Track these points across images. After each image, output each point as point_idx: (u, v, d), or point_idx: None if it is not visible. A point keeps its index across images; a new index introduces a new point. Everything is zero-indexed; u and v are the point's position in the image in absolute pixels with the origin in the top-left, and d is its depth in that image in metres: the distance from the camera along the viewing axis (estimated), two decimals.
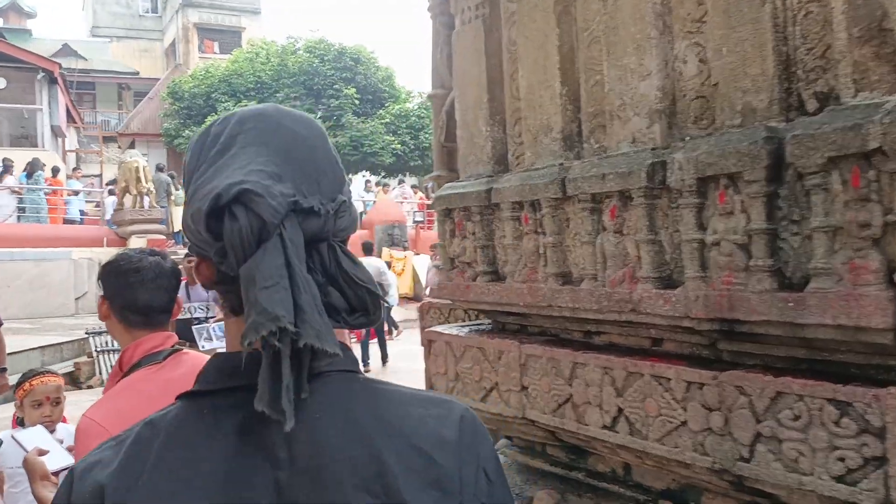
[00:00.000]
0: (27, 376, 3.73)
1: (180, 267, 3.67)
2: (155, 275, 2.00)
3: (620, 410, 2.48)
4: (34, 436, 2.42)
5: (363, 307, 0.89)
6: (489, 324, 3.48)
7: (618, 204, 2.49)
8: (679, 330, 2.34)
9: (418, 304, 5.34)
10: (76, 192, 19.69)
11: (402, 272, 17.11)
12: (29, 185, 17.49)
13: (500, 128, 3.24)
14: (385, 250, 18.35)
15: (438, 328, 3.53)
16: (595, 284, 2.57)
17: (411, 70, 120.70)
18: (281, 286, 0.80)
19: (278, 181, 0.86)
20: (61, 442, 2.35)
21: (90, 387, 10.67)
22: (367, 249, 11.84)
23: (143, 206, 15.64)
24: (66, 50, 32.89)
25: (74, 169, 21.14)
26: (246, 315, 0.80)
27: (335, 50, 24.62)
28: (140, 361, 1.94)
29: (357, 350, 10.62)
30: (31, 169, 17.60)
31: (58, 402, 3.69)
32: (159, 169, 18.13)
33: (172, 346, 2.02)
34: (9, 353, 10.91)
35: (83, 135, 30.30)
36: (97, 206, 19.15)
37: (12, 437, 2.68)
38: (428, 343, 3.53)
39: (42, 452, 2.05)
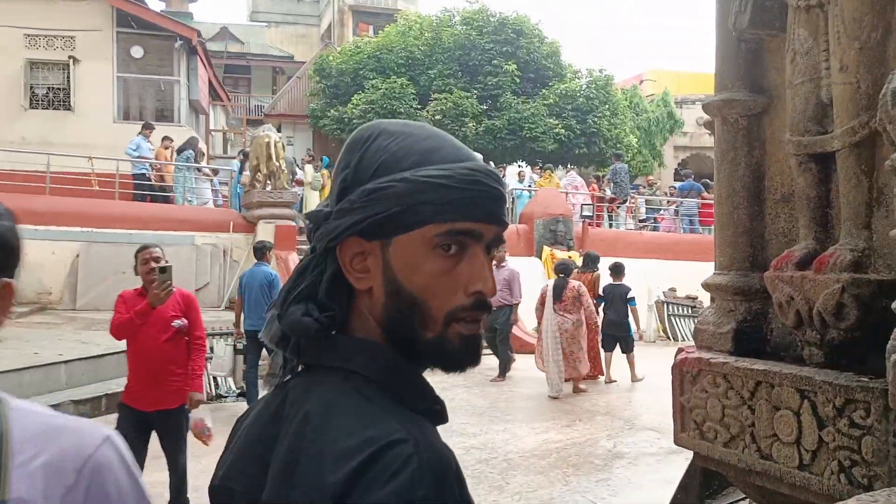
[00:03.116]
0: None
1: None
2: None
3: None
4: None
5: None
6: None
7: None
8: None
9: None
10: (216, 173, 18.28)
11: None
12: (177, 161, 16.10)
13: None
14: (545, 249, 15.55)
15: None
16: None
17: (579, 46, 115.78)
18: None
19: None
20: None
21: None
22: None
23: (275, 188, 13.73)
24: (224, 33, 32.57)
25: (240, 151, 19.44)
26: None
27: (495, 21, 21.94)
28: None
29: None
30: (183, 147, 16.17)
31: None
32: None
33: None
34: (93, 357, 9.29)
35: (232, 117, 29.43)
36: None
37: None
38: None
39: None
